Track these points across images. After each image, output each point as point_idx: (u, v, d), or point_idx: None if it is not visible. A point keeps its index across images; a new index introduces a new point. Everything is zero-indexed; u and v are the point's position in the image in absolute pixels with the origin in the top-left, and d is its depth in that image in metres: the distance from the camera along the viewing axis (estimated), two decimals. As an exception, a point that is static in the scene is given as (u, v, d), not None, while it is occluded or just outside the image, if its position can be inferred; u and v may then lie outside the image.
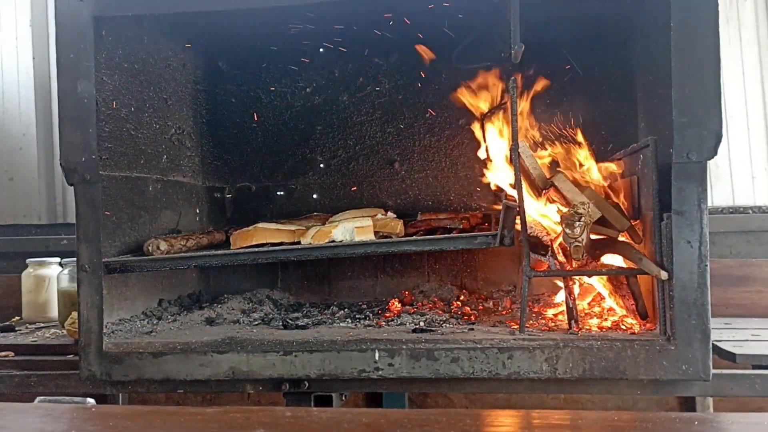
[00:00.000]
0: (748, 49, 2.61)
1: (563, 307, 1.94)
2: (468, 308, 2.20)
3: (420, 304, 2.30)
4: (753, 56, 2.61)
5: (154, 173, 2.29)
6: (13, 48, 2.98)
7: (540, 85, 2.27)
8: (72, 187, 1.90)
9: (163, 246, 2.03)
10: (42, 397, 1.59)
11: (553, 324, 1.91)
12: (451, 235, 2.07)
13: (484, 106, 2.31)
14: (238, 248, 2.09)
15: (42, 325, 2.41)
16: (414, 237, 2.12)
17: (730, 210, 2.60)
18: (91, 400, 1.53)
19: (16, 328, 2.35)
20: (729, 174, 2.62)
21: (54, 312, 2.42)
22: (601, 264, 1.90)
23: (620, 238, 1.89)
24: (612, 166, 2.08)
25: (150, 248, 2.02)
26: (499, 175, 2.23)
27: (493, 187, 2.33)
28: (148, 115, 2.27)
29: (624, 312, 1.96)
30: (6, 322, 2.44)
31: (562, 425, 1.23)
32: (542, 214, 2.04)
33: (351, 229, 2.02)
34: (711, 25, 1.64)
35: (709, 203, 2.39)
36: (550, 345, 1.69)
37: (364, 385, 1.81)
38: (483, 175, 2.40)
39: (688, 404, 2.57)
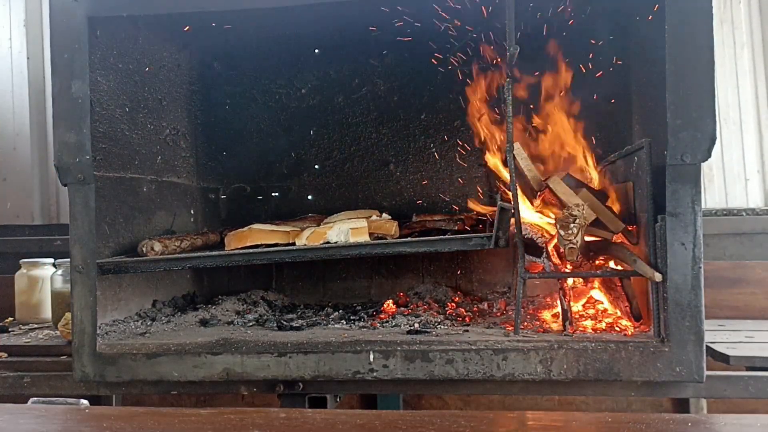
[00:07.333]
0: (741, 52, 2.62)
1: (558, 309, 1.95)
2: (463, 310, 2.20)
3: (415, 305, 2.30)
4: (746, 59, 2.62)
5: (149, 174, 2.28)
6: (7, 48, 2.98)
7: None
8: (66, 187, 1.90)
9: (158, 247, 2.02)
10: (35, 398, 1.59)
11: (547, 326, 1.91)
12: (446, 236, 2.07)
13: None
14: (232, 249, 2.08)
15: (35, 326, 2.40)
16: (409, 238, 2.12)
17: (724, 212, 2.61)
18: (84, 402, 1.52)
19: (10, 329, 2.34)
20: (722, 176, 2.63)
21: (47, 313, 2.41)
22: (596, 265, 1.90)
23: (615, 240, 1.89)
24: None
25: (144, 249, 2.02)
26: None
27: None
28: (143, 115, 2.26)
29: (618, 314, 1.97)
30: (-1, 323, 2.43)
31: (556, 426, 1.24)
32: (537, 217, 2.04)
33: (346, 230, 2.02)
34: (705, 28, 1.65)
35: (703, 205, 2.41)
36: (545, 346, 1.69)
37: (358, 386, 1.81)
38: (478, 176, 2.40)
39: (681, 406, 2.58)
